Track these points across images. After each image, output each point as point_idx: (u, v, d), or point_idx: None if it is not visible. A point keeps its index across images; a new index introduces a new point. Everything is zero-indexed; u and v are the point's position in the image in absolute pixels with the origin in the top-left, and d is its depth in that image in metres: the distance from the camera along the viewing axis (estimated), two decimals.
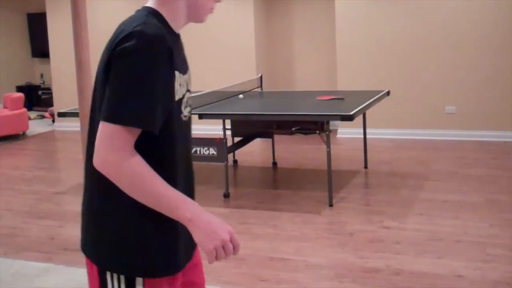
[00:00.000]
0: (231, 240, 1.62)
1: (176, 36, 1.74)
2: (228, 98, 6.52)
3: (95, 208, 1.73)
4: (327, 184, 5.43)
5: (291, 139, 8.41)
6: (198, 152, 5.69)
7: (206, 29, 9.13)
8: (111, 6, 9.86)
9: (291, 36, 9.26)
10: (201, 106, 5.93)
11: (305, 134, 5.55)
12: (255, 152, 7.79)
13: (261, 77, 7.52)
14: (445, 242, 4.44)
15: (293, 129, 5.59)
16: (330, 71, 9.01)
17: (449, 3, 7.79)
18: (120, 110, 1.54)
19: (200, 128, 8.64)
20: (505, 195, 5.49)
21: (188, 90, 1.78)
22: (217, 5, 9.09)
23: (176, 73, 1.66)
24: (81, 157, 7.45)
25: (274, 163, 7.00)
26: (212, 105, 6.07)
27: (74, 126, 10.00)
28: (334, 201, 5.50)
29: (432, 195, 5.58)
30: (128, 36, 1.56)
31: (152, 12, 1.68)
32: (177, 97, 1.68)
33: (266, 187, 6.18)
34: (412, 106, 8.13)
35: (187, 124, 1.79)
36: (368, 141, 7.96)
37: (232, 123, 6.43)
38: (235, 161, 7.18)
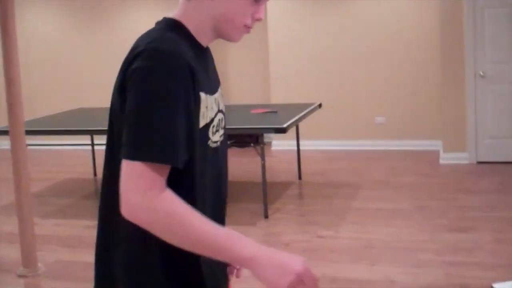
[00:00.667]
0: (307, 272, 1.31)
1: (203, 51, 1.50)
2: None
3: (136, 264, 1.43)
4: (262, 196, 5.49)
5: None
6: None
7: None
8: (42, 16, 9.68)
9: (225, 50, 9.34)
10: None
11: (241, 147, 5.60)
12: None
13: None
14: (378, 249, 4.57)
15: (229, 142, 5.64)
16: (264, 84, 9.12)
17: (376, 18, 8.05)
18: (137, 144, 1.30)
19: None
20: (433, 201, 5.70)
21: (220, 111, 1.53)
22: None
23: (202, 94, 1.42)
24: (10, 176, 7.26)
25: None
26: None
27: (2, 144, 9.72)
28: (269, 212, 5.57)
29: (365, 204, 5.73)
30: (141, 54, 1.34)
31: (172, 24, 1.46)
32: (203, 123, 1.43)
33: None
34: (343, 118, 8.33)
35: (219, 150, 1.53)
36: (301, 153, 8.10)
37: None
38: None
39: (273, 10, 8.40)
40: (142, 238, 1.39)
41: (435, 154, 7.71)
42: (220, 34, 1.50)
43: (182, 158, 1.34)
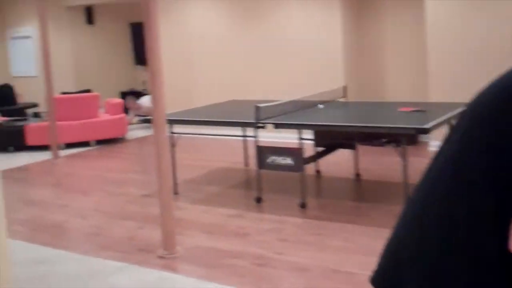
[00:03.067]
0: None
1: None
2: (307, 108, 6.57)
3: None
4: (404, 198, 5.36)
5: (378, 151, 8.32)
6: (276, 161, 5.78)
7: (286, 34, 9.23)
8: (204, 11, 10.18)
9: (382, 44, 9.17)
10: (278, 115, 6.04)
11: (382, 146, 5.50)
12: (340, 162, 7.78)
13: (345, 87, 7.51)
14: None
15: (375, 141, 5.56)
16: (422, 81, 8.82)
17: None
18: None
19: (278, 137, 8.75)
20: None
21: None
22: (300, 8, 9.19)
23: None
24: (187, 162, 7.76)
25: (357, 175, 6.98)
26: (291, 114, 6.16)
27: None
28: None
29: None
30: None
31: None
32: None
33: (345, 198, 6.17)
34: None
35: None
36: None
37: (315, 133, 6.48)
38: (317, 172, 7.21)
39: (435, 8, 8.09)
40: None
41: None
42: None
43: None
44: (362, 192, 6.40)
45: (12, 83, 13.53)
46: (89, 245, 5.13)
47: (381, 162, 7.69)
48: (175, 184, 6.58)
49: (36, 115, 11.70)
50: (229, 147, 9.21)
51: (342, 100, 7.31)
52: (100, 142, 10.21)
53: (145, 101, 11.18)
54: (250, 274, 4.32)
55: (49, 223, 5.84)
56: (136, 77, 13.70)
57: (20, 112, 12.01)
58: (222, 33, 10.09)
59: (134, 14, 13.21)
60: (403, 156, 5.18)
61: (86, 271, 4.56)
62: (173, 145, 6.50)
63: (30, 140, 9.82)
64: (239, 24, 9.88)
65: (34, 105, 12.80)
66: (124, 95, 13.08)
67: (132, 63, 13.67)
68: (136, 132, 11.29)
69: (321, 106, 6.62)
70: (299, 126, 5.65)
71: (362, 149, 7.92)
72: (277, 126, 5.72)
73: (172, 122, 6.37)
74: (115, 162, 8.76)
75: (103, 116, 10.36)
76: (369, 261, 4.45)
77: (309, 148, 6.52)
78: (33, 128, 9.84)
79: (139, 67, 13.55)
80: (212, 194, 6.55)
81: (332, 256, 4.60)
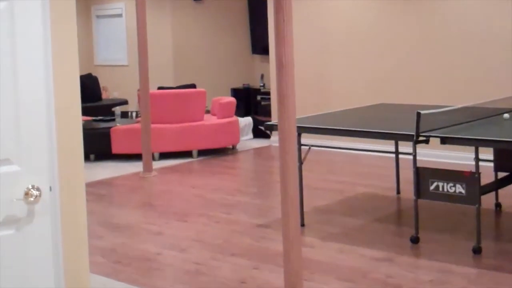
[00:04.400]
0: None
1: None
2: (486, 117, 6.39)
3: None
4: None
5: None
6: (441, 189, 5.65)
7: (459, 21, 9.03)
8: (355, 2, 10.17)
9: None
10: (446, 127, 5.89)
11: None
12: None
13: None
14: None
15: None
16: None
17: None
18: None
19: (444, 156, 8.52)
20: None
21: None
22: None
23: None
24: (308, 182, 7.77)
25: None
26: (463, 125, 6.00)
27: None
28: None
29: None
30: None
31: None
32: None
33: None
34: None
35: None
36: None
37: (495, 153, 6.27)
38: (497, 205, 6.98)
39: None
40: None
41: None
42: None
43: None
44: None
45: (96, 73, 14.07)
46: (188, 287, 5.21)
47: None
48: (302, 213, 6.58)
49: (125, 115, 12.05)
50: (374, 167, 9.11)
51: None
52: (204, 152, 10.44)
53: None
54: None
55: (137, 254, 6.00)
56: (252, 69, 13.90)
57: (105, 110, 12.34)
58: (370, 17, 10.05)
59: None
60: None
61: None
62: (301, 161, 6.50)
63: (117, 147, 10.19)
64: (394, 5, 9.79)
65: (123, 102, 13.27)
66: (236, 92, 13.32)
67: (248, 52, 13.88)
68: (250, 141, 11.44)
69: (506, 116, 6.41)
70: (476, 142, 5.50)
71: None
72: (445, 141, 5.58)
73: (303, 130, 6.37)
74: (222, 180, 8.91)
75: (210, 119, 10.56)
76: None
77: (487, 173, 6.31)
78: (121, 132, 10.21)
79: (257, 56, 13.74)
80: (351, 229, 6.48)
81: None
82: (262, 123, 12.19)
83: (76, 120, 3.02)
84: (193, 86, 12.27)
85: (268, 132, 11.34)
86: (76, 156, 3.03)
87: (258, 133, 11.71)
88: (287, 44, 4.33)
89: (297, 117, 5.58)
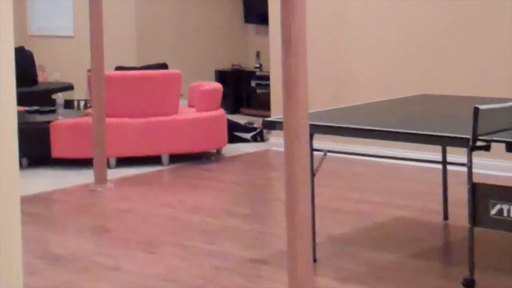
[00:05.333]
0: None
1: None
2: None
3: None
4: None
5: None
6: (505, 213, 5.63)
7: None
8: None
9: None
10: (507, 130, 5.88)
11: None
12: None
13: None
14: None
15: None
16: None
17: None
18: None
19: (510, 168, 8.50)
20: None
21: None
22: None
23: None
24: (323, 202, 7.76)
25: None
26: None
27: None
28: None
29: None
30: None
31: None
32: None
33: None
34: None
35: None
36: None
37: None
38: None
39: None
40: None
41: None
42: None
43: None
44: None
45: (30, 47, 13.97)
46: None
47: None
48: (314, 244, 6.55)
49: (70, 104, 11.96)
50: (412, 182, 9.10)
51: None
52: (178, 158, 10.39)
53: None
54: None
55: None
56: (245, 45, 13.89)
57: (42, 98, 12.23)
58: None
59: None
60: None
61: None
62: (314, 172, 6.45)
63: (58, 149, 10.13)
64: None
65: (67, 87, 13.21)
66: (222, 76, 13.28)
67: (239, 20, 13.86)
68: (242, 144, 11.40)
69: None
70: None
71: None
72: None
73: (316, 130, 6.32)
74: (203, 196, 8.89)
75: (186, 112, 10.50)
76: None
77: None
78: (64, 128, 10.17)
79: (251, 27, 13.72)
80: (380, 267, 6.47)
81: None
82: (240, 127, 12.00)
83: (9, 111, 2.98)
84: (164, 66, 12.22)
85: (265, 131, 11.34)
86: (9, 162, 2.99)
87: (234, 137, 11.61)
88: (298, 10, 4.27)
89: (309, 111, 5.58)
